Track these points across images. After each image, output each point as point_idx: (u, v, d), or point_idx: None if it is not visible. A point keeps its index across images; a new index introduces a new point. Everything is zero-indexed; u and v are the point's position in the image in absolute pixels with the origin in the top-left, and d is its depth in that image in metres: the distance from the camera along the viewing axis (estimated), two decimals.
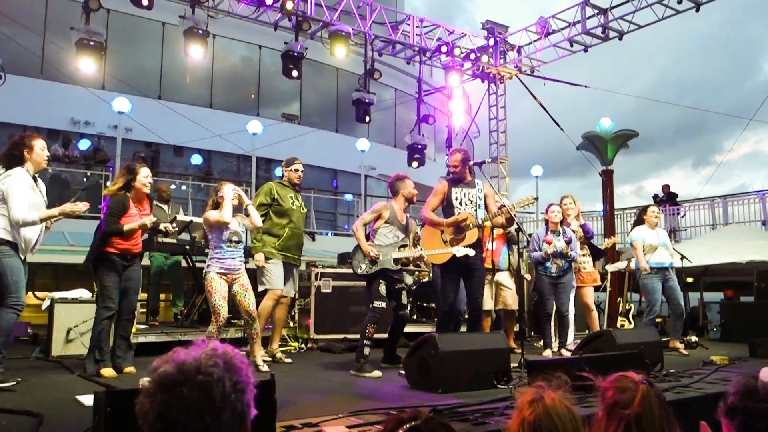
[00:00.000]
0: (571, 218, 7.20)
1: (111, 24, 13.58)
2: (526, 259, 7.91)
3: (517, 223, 5.69)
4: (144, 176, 5.18)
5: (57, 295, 6.61)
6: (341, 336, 7.31)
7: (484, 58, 13.83)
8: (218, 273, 5.08)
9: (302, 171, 6.32)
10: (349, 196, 17.99)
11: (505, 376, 4.53)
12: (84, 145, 14.37)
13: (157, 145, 15.35)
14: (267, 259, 5.95)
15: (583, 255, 7.20)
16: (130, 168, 5.20)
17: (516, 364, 4.97)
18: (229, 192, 5.13)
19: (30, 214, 4.47)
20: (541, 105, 13.89)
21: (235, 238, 5.20)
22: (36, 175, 4.74)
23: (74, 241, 9.44)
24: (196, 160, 16.78)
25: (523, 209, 6.44)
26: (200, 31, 9.97)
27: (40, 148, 4.69)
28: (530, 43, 13.92)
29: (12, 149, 4.64)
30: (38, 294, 7.79)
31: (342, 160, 17.97)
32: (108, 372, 5.00)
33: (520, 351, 5.57)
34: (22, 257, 4.58)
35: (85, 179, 13.13)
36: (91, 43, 9.10)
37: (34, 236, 4.64)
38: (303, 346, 7.33)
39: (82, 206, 4.60)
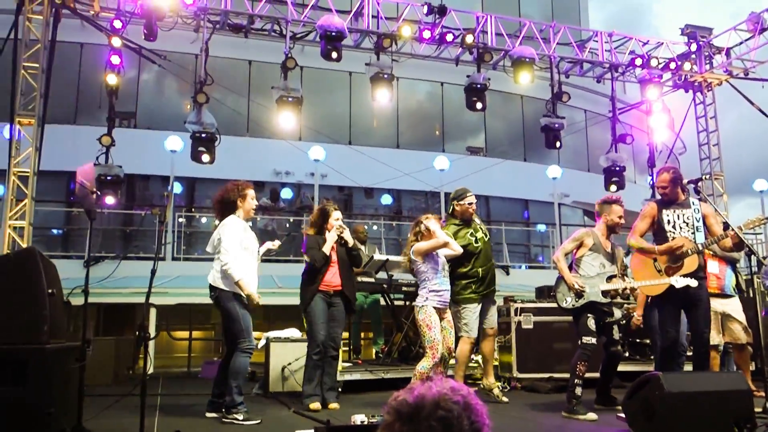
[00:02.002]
0: None
1: (304, 79, 14.85)
2: (758, 286, 7.03)
3: (748, 246, 5.08)
4: (335, 219, 5.60)
5: (271, 334, 7.22)
6: (547, 375, 7.04)
7: (687, 66, 12.84)
8: (435, 308, 4.99)
9: (475, 203, 6.05)
10: (542, 227, 17.50)
11: (748, 422, 4.00)
12: (286, 194, 15.77)
13: (349, 188, 16.35)
14: (465, 304, 5.82)
15: None
16: (324, 211, 5.65)
17: (760, 409, 4.38)
18: (435, 222, 5.16)
19: (236, 269, 4.88)
20: (761, 110, 12.48)
21: (446, 267, 5.16)
22: (248, 224, 5.26)
23: (282, 284, 10.28)
24: (386, 200, 17.53)
25: (751, 231, 5.73)
26: (385, 76, 10.52)
27: (251, 198, 5.22)
28: (741, 43, 12.69)
29: (225, 197, 5.18)
30: (254, 334, 8.55)
31: (532, 190, 17.62)
32: (314, 405, 5.33)
33: (762, 393, 4.91)
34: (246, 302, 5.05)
35: (287, 225, 14.36)
36: (290, 98, 10.03)
37: (254, 282, 5.10)
38: (506, 385, 7.17)
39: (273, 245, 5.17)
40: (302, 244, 5.77)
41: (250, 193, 5.21)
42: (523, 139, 18.57)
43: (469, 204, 5.98)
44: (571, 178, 17.32)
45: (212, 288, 4.99)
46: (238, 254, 4.95)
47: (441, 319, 5.05)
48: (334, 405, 5.46)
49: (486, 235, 6.08)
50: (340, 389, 6.43)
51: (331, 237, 5.57)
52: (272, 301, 10.78)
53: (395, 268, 7.73)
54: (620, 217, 5.44)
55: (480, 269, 5.86)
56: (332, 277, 5.58)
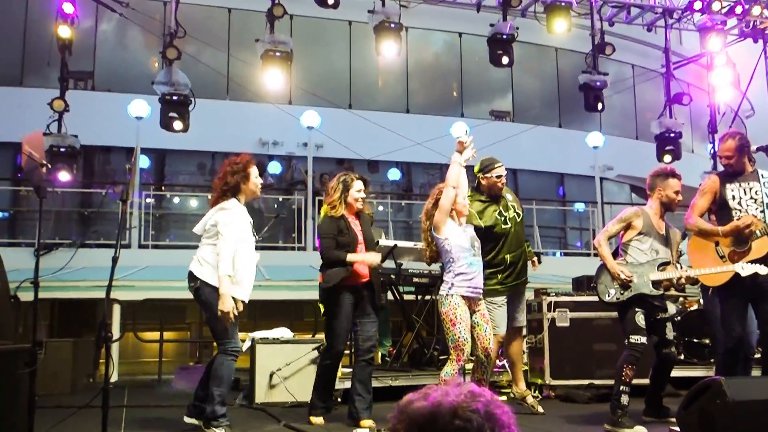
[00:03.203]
0: None
1: (295, 30, 14.78)
2: None
3: None
4: (357, 190, 5.48)
5: (257, 335, 7.24)
6: (586, 382, 7.06)
7: (756, 10, 12.71)
8: (464, 297, 4.81)
9: (505, 176, 5.97)
10: (580, 206, 17.47)
11: None
12: (275, 168, 15.76)
13: (350, 161, 16.31)
14: (489, 297, 5.71)
15: None
16: (344, 182, 5.47)
17: None
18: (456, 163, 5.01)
19: (227, 262, 4.86)
20: None
21: (477, 243, 4.98)
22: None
23: (270, 276, 10.30)
24: (394, 174, 17.51)
25: None
26: (392, 25, 10.46)
27: (255, 177, 5.22)
28: None
29: (228, 178, 5.14)
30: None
31: (569, 161, 17.57)
32: (316, 420, 5.35)
33: None
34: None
35: (275, 205, 14.37)
36: (278, 53, 9.99)
37: (249, 281, 5.09)
38: (537, 394, 7.19)
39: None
40: (318, 229, 5.67)
41: (254, 171, 5.22)
42: (558, 101, 18.48)
43: (497, 177, 5.90)
44: (615, 146, 17.24)
45: (192, 278, 5.00)
46: (236, 246, 4.95)
47: (473, 312, 4.88)
48: (368, 422, 5.23)
49: (519, 215, 6.03)
50: (339, 399, 6.45)
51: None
52: (258, 296, 10.80)
53: (405, 255, 7.73)
54: (677, 193, 5.39)
55: (508, 256, 5.82)
56: (360, 266, 5.39)
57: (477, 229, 5.37)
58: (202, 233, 5.11)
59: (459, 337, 4.73)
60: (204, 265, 4.96)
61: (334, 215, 5.40)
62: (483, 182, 5.97)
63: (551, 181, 18.58)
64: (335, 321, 5.36)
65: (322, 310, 5.51)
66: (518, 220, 6.01)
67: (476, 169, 6.02)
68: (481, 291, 4.97)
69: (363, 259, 5.35)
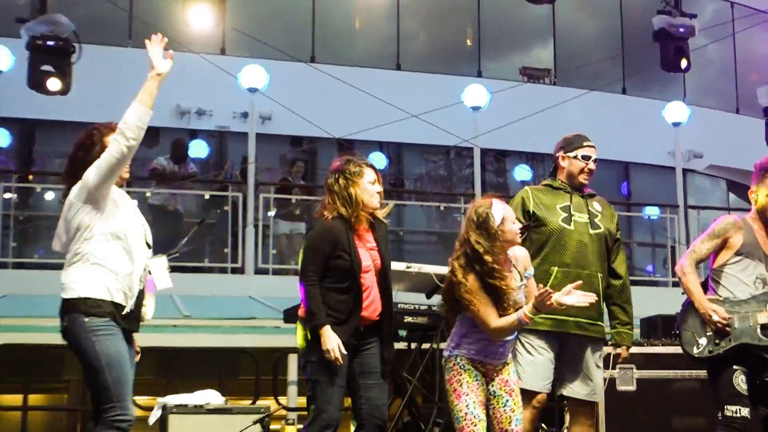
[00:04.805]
0: None
1: None
2: None
3: None
4: (370, 182, 5.29)
5: (171, 400, 7.21)
6: None
7: None
8: (470, 360, 4.85)
9: (594, 161, 5.75)
10: (653, 210, 17.54)
11: None
12: (199, 150, 15.64)
13: (312, 141, 16.27)
14: (524, 333, 5.50)
15: None
16: (343, 169, 5.31)
17: None
18: (501, 211, 4.79)
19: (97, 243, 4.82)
20: None
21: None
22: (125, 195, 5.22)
23: (191, 312, 10.27)
24: (378, 161, 17.46)
25: None
26: None
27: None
28: None
29: (77, 153, 5.11)
30: (138, 400, 8.53)
31: (638, 144, 17.71)
32: None
33: None
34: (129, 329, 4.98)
35: (199, 204, 14.32)
36: None
37: (126, 295, 5.00)
38: None
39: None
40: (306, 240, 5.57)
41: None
42: (621, 55, 18.59)
43: (583, 158, 5.69)
44: (705, 123, 17.37)
45: (62, 307, 4.84)
46: (107, 242, 4.88)
47: (489, 379, 4.92)
48: None
49: (598, 226, 5.70)
50: None
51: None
52: (173, 342, 10.78)
53: (393, 282, 7.70)
54: None
55: (556, 269, 5.57)
56: (369, 302, 5.31)
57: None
58: (65, 248, 5.03)
59: (465, 414, 4.76)
60: (70, 281, 4.89)
61: (332, 219, 5.23)
62: (562, 163, 5.77)
63: (611, 172, 18.60)
64: (320, 387, 5.19)
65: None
66: (591, 232, 5.65)
67: (557, 145, 5.86)
68: (503, 356, 4.93)
69: (331, 350, 5.06)
